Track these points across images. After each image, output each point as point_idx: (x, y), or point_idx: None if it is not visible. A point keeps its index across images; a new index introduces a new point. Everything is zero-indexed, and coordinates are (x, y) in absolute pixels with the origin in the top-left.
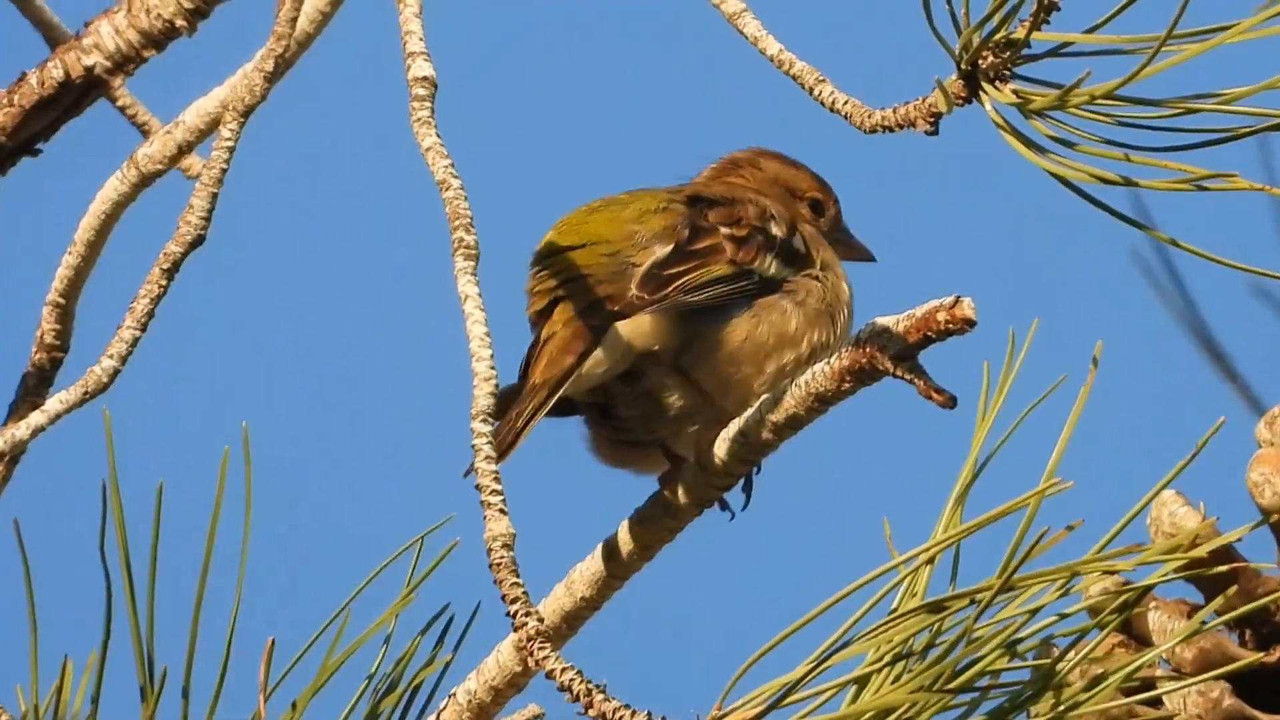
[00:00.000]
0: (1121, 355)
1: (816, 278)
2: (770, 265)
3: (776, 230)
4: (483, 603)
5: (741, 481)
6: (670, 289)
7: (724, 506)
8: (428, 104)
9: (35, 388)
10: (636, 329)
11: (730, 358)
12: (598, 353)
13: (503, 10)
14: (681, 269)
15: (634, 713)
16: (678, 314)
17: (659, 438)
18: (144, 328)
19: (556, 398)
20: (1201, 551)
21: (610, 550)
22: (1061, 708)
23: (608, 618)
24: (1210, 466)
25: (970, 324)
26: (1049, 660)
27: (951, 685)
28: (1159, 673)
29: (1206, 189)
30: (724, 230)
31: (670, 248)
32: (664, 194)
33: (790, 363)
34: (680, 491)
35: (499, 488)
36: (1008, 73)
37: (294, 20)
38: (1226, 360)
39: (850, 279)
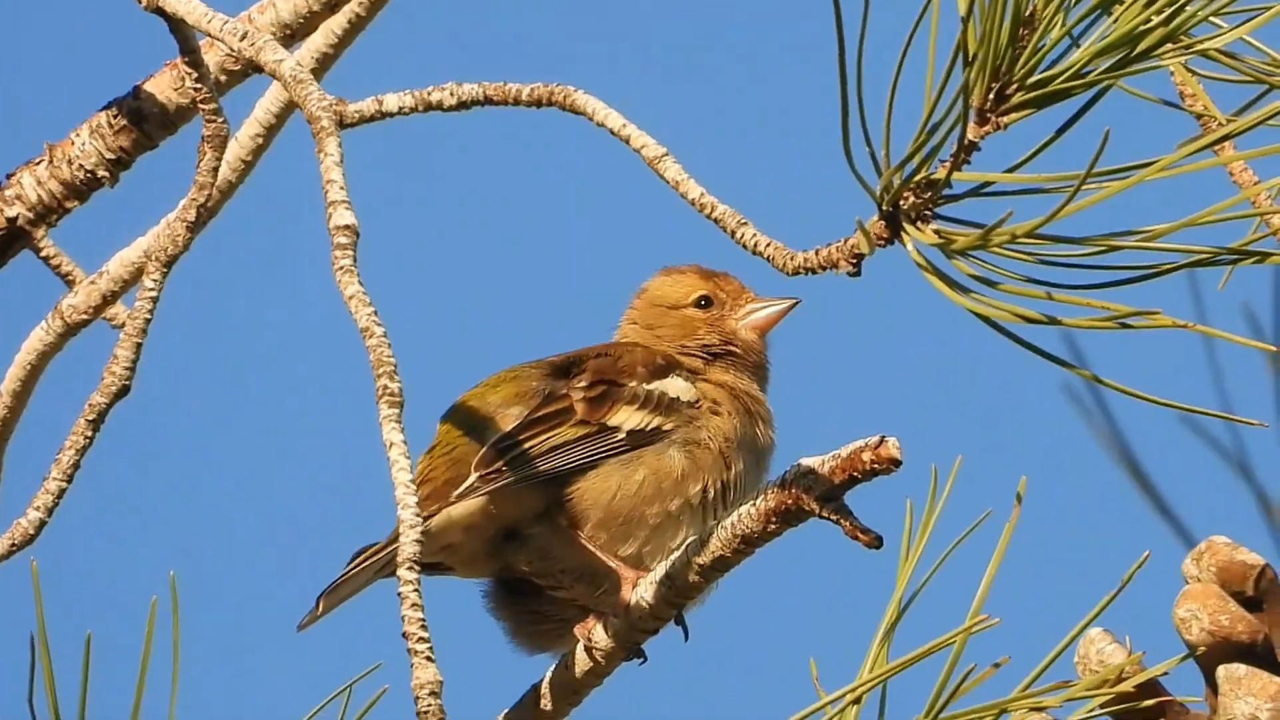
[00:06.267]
0: (1051, 490)
1: (699, 421)
2: (635, 419)
3: (635, 382)
4: None
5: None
6: (501, 465)
7: (641, 655)
8: (350, 252)
9: None
10: (466, 511)
11: (606, 512)
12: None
13: (424, 158)
14: (517, 442)
15: None
16: (534, 482)
17: (574, 601)
18: (70, 479)
19: (362, 573)
20: (1128, 686)
21: (538, 696)
22: None
23: None
24: (1140, 602)
25: (896, 463)
26: None
27: None
28: None
29: (1130, 326)
30: (577, 392)
31: (515, 424)
32: (529, 368)
33: (677, 509)
34: (608, 637)
35: (426, 635)
36: (929, 213)
37: (215, 169)
38: (1157, 494)
39: (768, 407)
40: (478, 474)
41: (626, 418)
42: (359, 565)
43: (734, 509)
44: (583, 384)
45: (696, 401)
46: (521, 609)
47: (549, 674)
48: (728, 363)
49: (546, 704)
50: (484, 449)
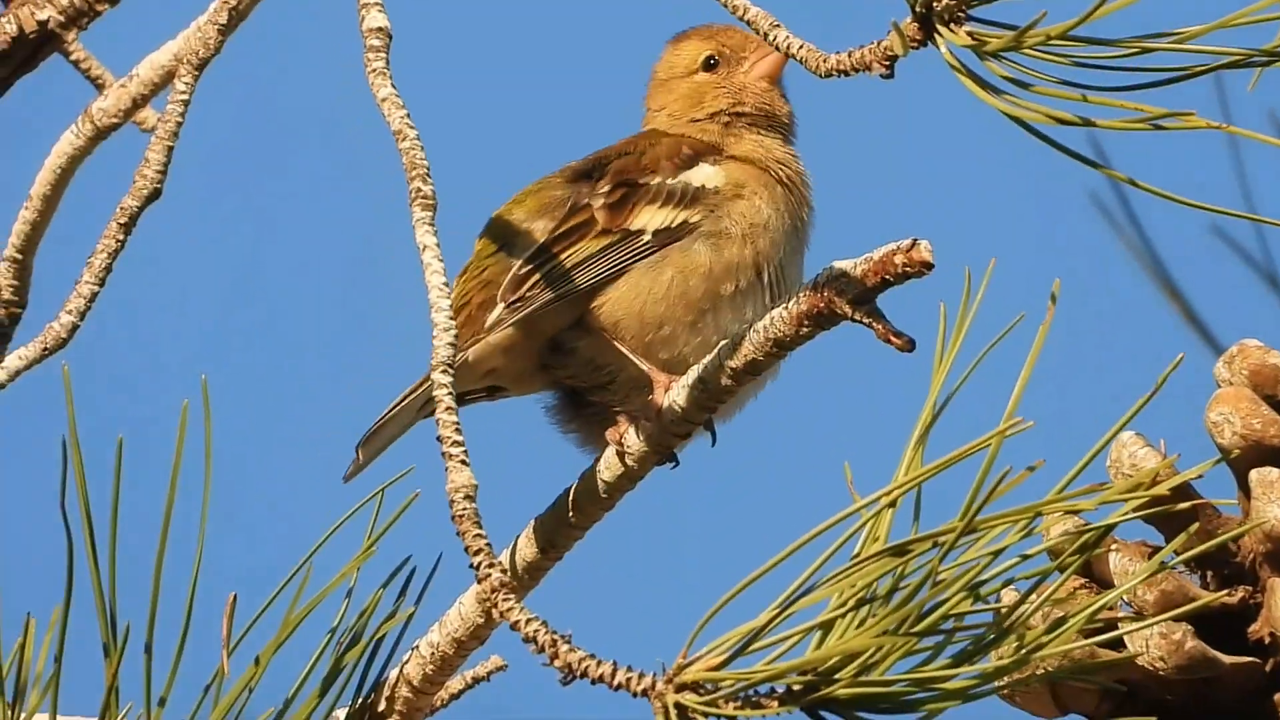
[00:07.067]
0: (1080, 295)
1: (720, 210)
2: (659, 218)
3: (659, 177)
4: (444, 554)
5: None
6: (525, 291)
7: (674, 460)
8: (383, 55)
9: None
10: (501, 336)
11: (640, 320)
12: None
13: None
14: (542, 262)
15: (599, 662)
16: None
17: (622, 401)
18: (102, 283)
19: (402, 413)
20: (1162, 490)
21: (571, 500)
22: (1024, 650)
23: (571, 568)
24: (1170, 407)
25: (928, 266)
26: (1012, 603)
27: (916, 629)
28: (1121, 615)
29: (1163, 128)
30: (597, 199)
31: (540, 241)
32: (554, 177)
33: (711, 305)
34: (640, 440)
35: (460, 439)
36: (962, 15)
37: None
38: (1185, 299)
39: (801, 167)
40: (504, 304)
41: (650, 218)
42: (397, 405)
43: (770, 294)
44: (603, 190)
45: (722, 187)
46: (590, 416)
47: (581, 479)
48: (743, 126)
49: (579, 508)
50: (510, 274)
